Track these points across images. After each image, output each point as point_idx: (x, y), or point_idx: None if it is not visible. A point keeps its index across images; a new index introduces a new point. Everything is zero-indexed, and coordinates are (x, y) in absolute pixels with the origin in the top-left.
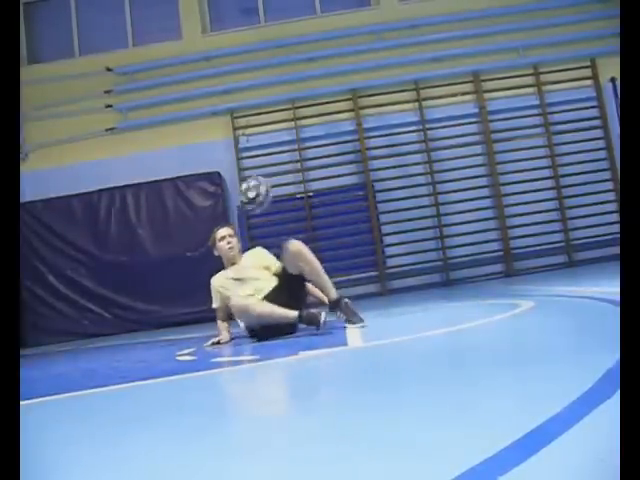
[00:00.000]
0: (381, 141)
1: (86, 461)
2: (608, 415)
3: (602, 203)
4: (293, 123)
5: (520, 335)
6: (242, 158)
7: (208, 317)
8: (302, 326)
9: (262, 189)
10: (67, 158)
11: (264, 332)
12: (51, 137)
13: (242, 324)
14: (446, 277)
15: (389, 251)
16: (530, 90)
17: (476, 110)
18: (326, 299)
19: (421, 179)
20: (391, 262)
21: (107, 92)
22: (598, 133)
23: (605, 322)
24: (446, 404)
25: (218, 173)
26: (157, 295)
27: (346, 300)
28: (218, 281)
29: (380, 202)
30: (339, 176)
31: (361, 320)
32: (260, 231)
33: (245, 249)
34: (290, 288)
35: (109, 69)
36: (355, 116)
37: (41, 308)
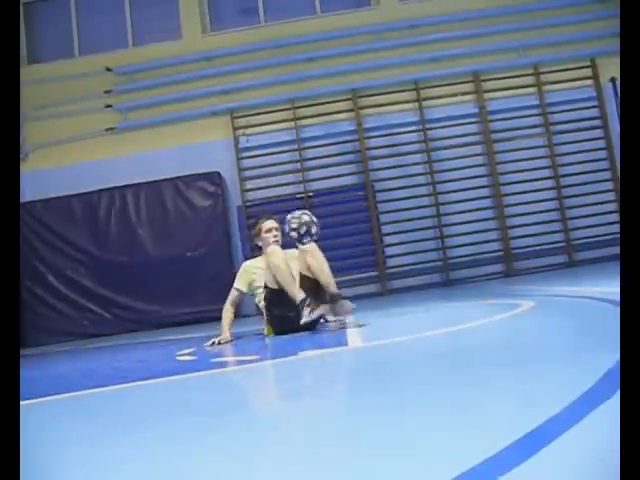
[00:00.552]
0: (381, 141)
1: (86, 461)
2: (608, 415)
3: (602, 203)
4: (293, 123)
5: (520, 335)
6: (242, 158)
7: (208, 317)
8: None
9: (313, 229)
10: (67, 158)
11: (281, 324)
12: (51, 137)
13: (259, 298)
14: (446, 277)
15: (389, 251)
16: (530, 90)
17: (476, 110)
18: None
19: (421, 179)
20: (391, 262)
21: (107, 92)
22: (598, 133)
23: (605, 322)
24: (446, 404)
25: (218, 173)
26: (157, 295)
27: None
28: (252, 265)
29: (380, 202)
30: (339, 176)
31: (343, 326)
32: None
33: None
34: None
35: (109, 69)
36: (355, 116)
37: (41, 308)
